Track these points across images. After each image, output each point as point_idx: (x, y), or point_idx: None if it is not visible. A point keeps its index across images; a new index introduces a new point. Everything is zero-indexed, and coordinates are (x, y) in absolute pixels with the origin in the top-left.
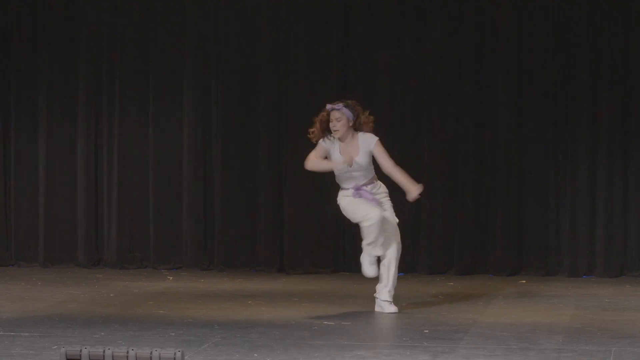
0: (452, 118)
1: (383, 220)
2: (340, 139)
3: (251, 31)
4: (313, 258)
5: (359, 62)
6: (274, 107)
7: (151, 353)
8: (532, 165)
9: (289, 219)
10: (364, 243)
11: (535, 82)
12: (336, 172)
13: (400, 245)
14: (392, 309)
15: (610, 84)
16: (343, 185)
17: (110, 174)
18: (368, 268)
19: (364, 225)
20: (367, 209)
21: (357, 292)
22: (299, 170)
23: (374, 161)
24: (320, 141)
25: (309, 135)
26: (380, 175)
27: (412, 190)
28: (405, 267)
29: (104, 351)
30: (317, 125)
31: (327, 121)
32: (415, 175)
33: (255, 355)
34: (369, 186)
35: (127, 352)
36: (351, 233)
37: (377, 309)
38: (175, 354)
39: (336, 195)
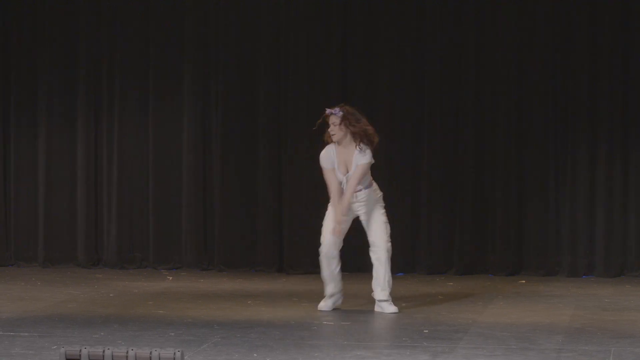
0: (452, 118)
1: (330, 250)
2: (338, 143)
3: (251, 31)
4: (313, 258)
5: (359, 63)
6: (273, 108)
7: (151, 353)
8: (531, 166)
9: (288, 219)
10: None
11: (535, 83)
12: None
13: (388, 245)
14: (392, 308)
15: (610, 85)
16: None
17: (110, 174)
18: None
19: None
20: (324, 234)
21: (357, 292)
22: (298, 170)
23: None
24: (324, 166)
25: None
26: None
27: (335, 222)
28: (405, 267)
29: (103, 351)
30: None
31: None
32: (415, 175)
33: (255, 355)
34: (366, 191)
35: (127, 352)
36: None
37: (377, 309)
38: (174, 354)
39: None
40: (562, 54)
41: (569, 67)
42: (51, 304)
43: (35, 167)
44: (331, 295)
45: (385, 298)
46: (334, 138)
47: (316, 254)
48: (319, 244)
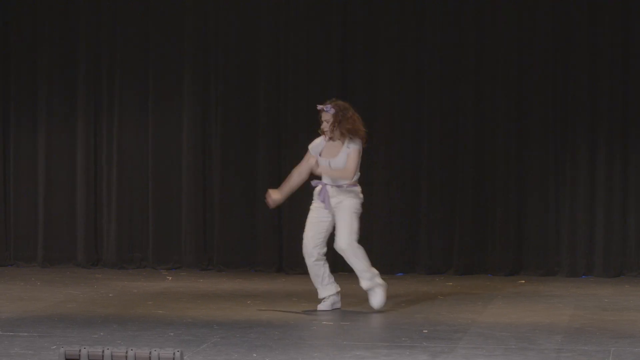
0: (452, 118)
1: (308, 247)
2: (330, 139)
3: (251, 31)
4: None
5: (359, 63)
6: (273, 108)
7: (150, 353)
8: (531, 166)
9: (288, 219)
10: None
11: (535, 84)
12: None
13: (349, 243)
14: (376, 300)
15: (610, 85)
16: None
17: (109, 174)
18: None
19: None
20: (304, 232)
21: (356, 292)
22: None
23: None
24: (310, 149)
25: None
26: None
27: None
28: (405, 267)
29: (103, 351)
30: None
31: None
32: (414, 174)
33: (255, 355)
34: (347, 188)
35: (126, 352)
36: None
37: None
38: (174, 354)
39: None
40: (562, 54)
41: (569, 67)
42: (50, 304)
43: (35, 167)
44: (323, 299)
45: (367, 287)
46: (325, 134)
47: None
48: None
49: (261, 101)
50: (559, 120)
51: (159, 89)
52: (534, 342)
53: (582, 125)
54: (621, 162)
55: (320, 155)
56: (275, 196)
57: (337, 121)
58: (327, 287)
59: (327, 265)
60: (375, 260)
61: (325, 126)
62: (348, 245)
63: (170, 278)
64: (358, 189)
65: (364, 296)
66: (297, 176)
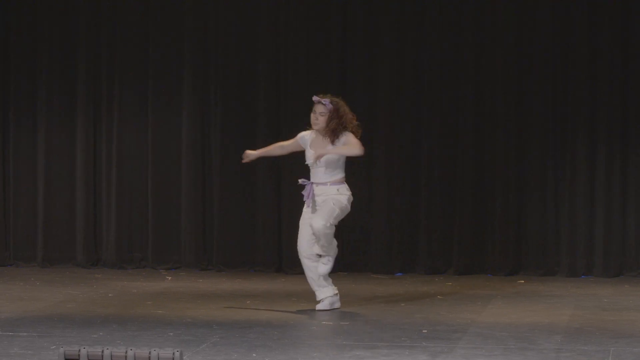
0: (452, 118)
1: (302, 247)
2: (318, 132)
3: (250, 31)
4: None
5: (359, 63)
6: (273, 107)
7: (150, 353)
8: (531, 166)
9: (287, 219)
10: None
11: (535, 84)
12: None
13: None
14: (323, 293)
15: (610, 86)
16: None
17: (109, 174)
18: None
19: None
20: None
21: (355, 292)
22: (297, 170)
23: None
24: (298, 136)
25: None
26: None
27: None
28: (405, 267)
29: (102, 351)
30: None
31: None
32: (414, 174)
33: (254, 355)
34: (333, 186)
35: (126, 352)
36: (349, 233)
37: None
38: (174, 354)
39: None
40: (562, 54)
41: (569, 67)
42: (50, 304)
43: (35, 167)
44: (321, 300)
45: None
46: (315, 126)
47: None
48: None
49: (261, 101)
50: (559, 120)
51: (158, 89)
52: (533, 342)
53: (582, 125)
54: (621, 162)
55: (309, 147)
56: (249, 151)
57: (331, 118)
58: (324, 289)
59: None
60: (375, 260)
61: (317, 117)
62: (323, 227)
63: (169, 278)
64: (345, 186)
65: (363, 296)
66: (278, 148)
